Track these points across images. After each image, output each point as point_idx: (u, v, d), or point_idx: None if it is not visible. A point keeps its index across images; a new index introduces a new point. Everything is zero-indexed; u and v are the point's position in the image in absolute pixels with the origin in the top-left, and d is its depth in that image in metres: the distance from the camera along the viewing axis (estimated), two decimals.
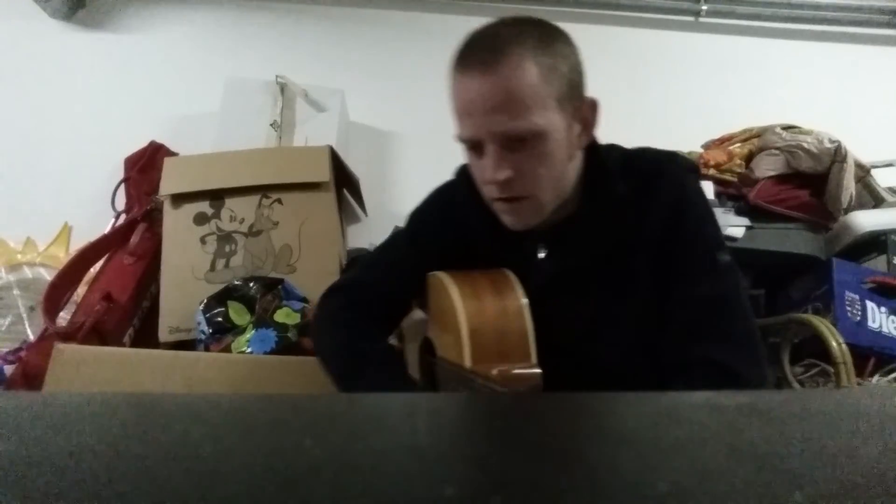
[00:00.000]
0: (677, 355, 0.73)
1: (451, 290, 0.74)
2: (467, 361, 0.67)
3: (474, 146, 0.73)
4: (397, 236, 0.92)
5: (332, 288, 0.90)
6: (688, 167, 0.83)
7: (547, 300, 0.75)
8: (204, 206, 1.47)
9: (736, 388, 0.71)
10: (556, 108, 0.69)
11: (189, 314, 1.33)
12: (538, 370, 0.68)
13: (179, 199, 1.47)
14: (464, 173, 0.85)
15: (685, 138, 1.67)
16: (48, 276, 1.55)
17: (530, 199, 0.72)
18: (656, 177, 0.77)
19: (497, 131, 0.69)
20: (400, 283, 0.87)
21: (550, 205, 0.75)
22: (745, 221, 1.48)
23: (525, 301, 0.73)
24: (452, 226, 0.85)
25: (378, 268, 0.90)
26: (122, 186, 1.66)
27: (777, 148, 1.50)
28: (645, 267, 0.75)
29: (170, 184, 1.48)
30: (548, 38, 0.71)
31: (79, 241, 1.62)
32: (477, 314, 0.71)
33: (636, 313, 0.76)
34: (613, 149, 0.82)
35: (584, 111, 0.74)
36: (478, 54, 0.70)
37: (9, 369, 1.26)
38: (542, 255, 0.80)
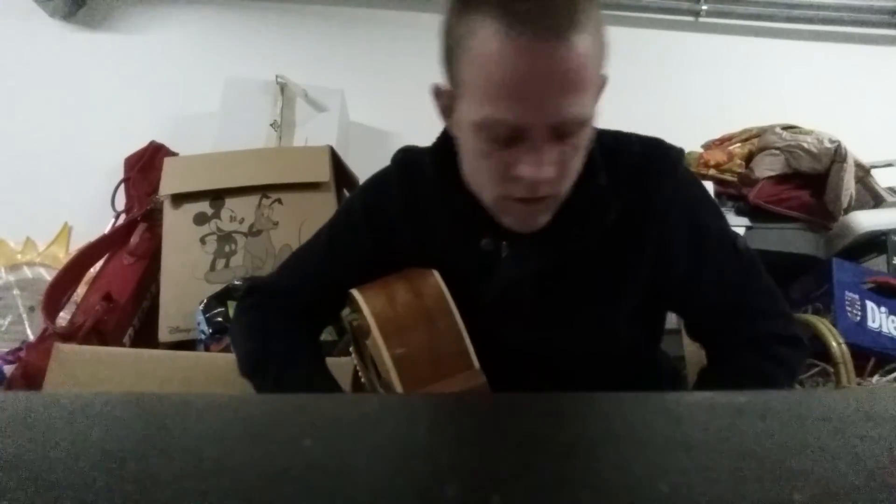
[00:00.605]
0: (734, 338, 0.70)
1: (366, 312, 0.66)
2: (398, 389, 0.59)
3: (509, 135, 0.56)
4: (319, 236, 0.82)
5: (250, 287, 0.84)
6: (676, 156, 0.71)
7: (509, 302, 0.69)
8: (204, 206, 1.47)
9: (803, 353, 0.72)
10: (596, 88, 0.60)
11: (189, 314, 1.33)
12: (482, 378, 0.63)
13: (179, 199, 1.47)
14: (408, 160, 0.74)
15: (685, 138, 1.66)
16: (48, 276, 1.55)
17: (553, 197, 0.61)
18: (647, 171, 0.67)
19: (555, 122, 0.55)
20: (318, 292, 0.78)
21: (564, 195, 0.63)
22: (745, 221, 1.48)
23: (451, 303, 0.65)
24: (383, 228, 0.74)
25: (296, 274, 0.81)
26: (122, 186, 1.66)
27: (777, 148, 1.50)
28: (629, 269, 0.68)
29: (170, 184, 1.48)
30: (595, 6, 0.57)
31: (79, 241, 1.62)
32: (397, 335, 0.64)
33: (606, 316, 0.70)
34: None
35: (601, 86, 0.62)
36: (534, 17, 0.52)
37: (9, 369, 1.26)
38: (505, 254, 0.69)
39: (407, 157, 0.75)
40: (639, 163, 0.68)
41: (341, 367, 1.17)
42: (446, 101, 0.64)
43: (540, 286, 0.68)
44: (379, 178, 0.78)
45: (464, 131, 0.61)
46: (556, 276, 0.68)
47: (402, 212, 0.73)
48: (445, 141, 0.69)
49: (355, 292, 0.70)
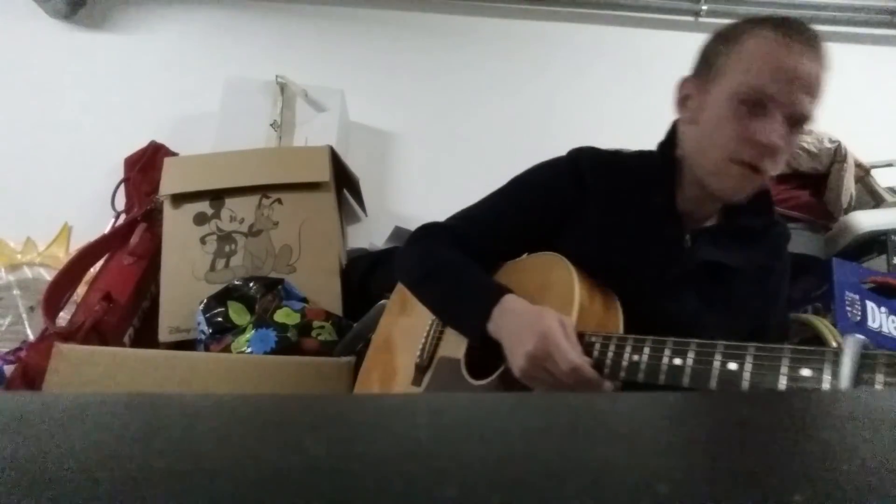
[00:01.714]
0: None
1: (571, 269, 0.78)
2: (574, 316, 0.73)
3: (758, 105, 0.73)
4: (502, 191, 0.92)
5: (424, 227, 0.92)
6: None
7: (688, 286, 0.81)
8: (204, 206, 1.47)
9: None
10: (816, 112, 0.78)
11: (189, 314, 1.33)
12: None
13: (179, 199, 1.47)
14: (590, 155, 0.90)
15: None
16: (48, 276, 1.55)
17: (767, 174, 0.76)
18: (784, 234, 0.94)
19: (797, 111, 0.74)
20: (491, 239, 0.89)
21: None
22: None
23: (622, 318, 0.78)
24: (580, 190, 0.86)
25: (471, 226, 0.91)
26: (122, 186, 1.66)
27: None
28: (749, 297, 0.84)
29: (170, 184, 1.48)
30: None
31: (79, 241, 1.62)
32: (588, 299, 0.76)
33: (733, 328, 0.81)
34: None
35: None
36: (804, 33, 0.75)
37: (9, 369, 1.26)
38: (688, 238, 0.83)
39: (589, 152, 0.90)
40: (782, 232, 0.93)
41: (341, 367, 1.17)
42: (690, 90, 0.82)
43: (714, 281, 0.81)
44: (555, 162, 0.91)
45: (712, 108, 0.77)
46: (728, 278, 0.82)
47: (582, 192, 0.85)
48: (668, 140, 0.88)
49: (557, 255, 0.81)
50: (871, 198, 1.56)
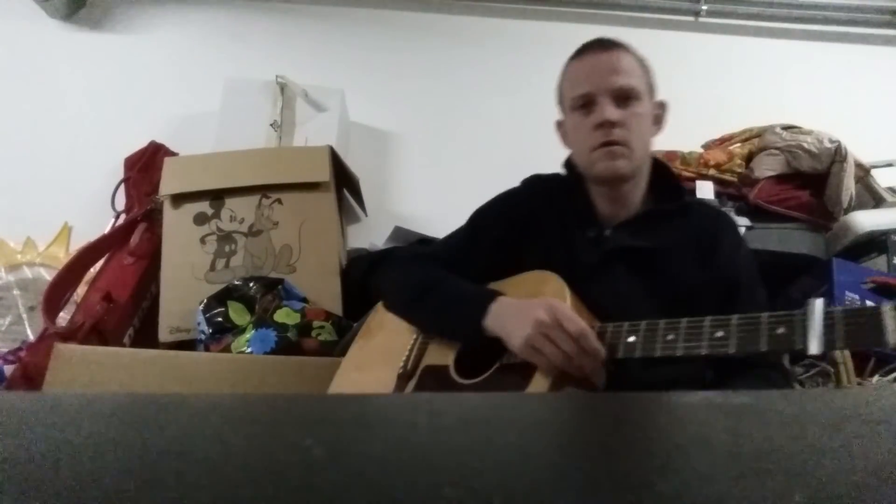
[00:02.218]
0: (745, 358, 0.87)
1: (564, 285, 0.86)
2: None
3: (586, 105, 0.93)
4: (460, 230, 1.07)
5: (408, 250, 1.06)
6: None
7: (606, 270, 0.91)
8: (204, 206, 1.47)
9: (787, 380, 1.02)
10: (645, 89, 0.95)
11: (189, 314, 1.33)
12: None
13: (179, 199, 1.47)
14: (534, 181, 1.06)
15: (685, 138, 1.67)
16: (48, 276, 1.55)
17: (626, 146, 0.91)
18: (721, 218, 1.04)
19: (610, 88, 0.91)
20: (457, 262, 1.00)
21: (637, 163, 0.93)
22: (746, 221, 1.48)
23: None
24: (517, 223, 1.01)
25: (443, 251, 1.04)
26: (122, 186, 1.66)
27: (777, 148, 1.50)
28: (689, 270, 0.92)
29: (170, 184, 1.48)
30: (641, 55, 0.99)
31: (79, 241, 1.62)
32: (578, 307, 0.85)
33: (668, 300, 0.89)
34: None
35: (657, 107, 0.99)
36: (598, 42, 0.96)
37: (9, 369, 1.26)
38: (608, 232, 0.96)
39: (534, 179, 1.07)
40: (714, 210, 1.08)
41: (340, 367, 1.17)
42: (562, 127, 1.02)
43: (630, 264, 0.92)
44: (511, 192, 1.07)
45: (570, 127, 0.98)
46: (645, 259, 0.92)
47: (537, 208, 1.01)
48: (569, 167, 1.04)
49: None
50: (871, 198, 1.56)
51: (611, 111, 0.90)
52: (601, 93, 0.91)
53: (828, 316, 0.59)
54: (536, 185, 1.05)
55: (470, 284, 0.93)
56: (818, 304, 0.60)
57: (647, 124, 0.95)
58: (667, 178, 1.03)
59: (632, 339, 0.72)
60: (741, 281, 0.94)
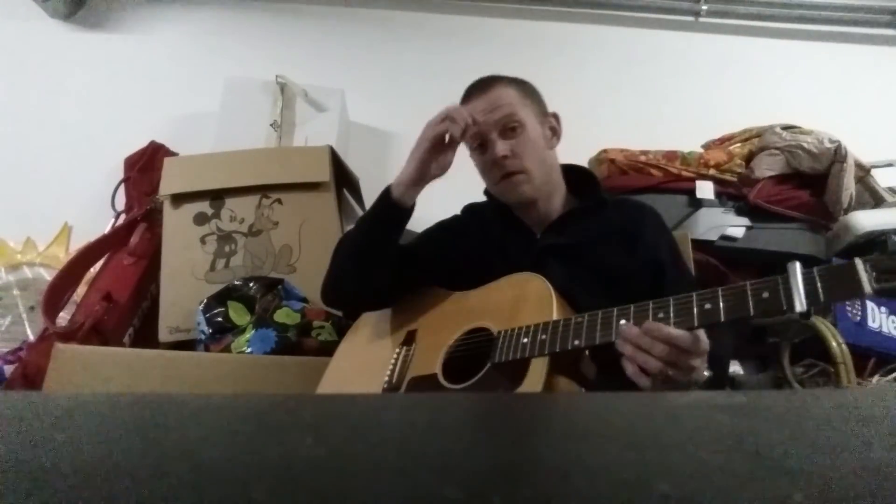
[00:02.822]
0: None
1: (548, 284, 0.89)
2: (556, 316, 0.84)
3: (479, 146, 1.01)
4: (419, 243, 1.14)
5: None
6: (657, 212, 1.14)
7: (541, 267, 0.95)
8: (204, 206, 1.47)
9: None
10: (528, 113, 1.02)
11: (189, 314, 1.33)
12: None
13: (179, 199, 1.47)
14: (471, 209, 1.16)
15: (685, 138, 1.67)
16: (48, 276, 1.55)
17: (524, 173, 0.99)
18: (643, 208, 1.09)
19: (493, 120, 0.98)
20: (413, 253, 1.08)
21: (539, 181, 1.01)
22: (745, 221, 1.48)
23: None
24: (454, 238, 1.11)
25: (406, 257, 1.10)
26: (122, 186, 1.66)
27: (777, 148, 1.50)
28: (616, 257, 0.99)
29: (170, 184, 1.48)
30: (520, 79, 1.06)
31: (79, 241, 1.62)
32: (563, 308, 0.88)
33: (601, 285, 0.96)
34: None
35: (550, 121, 1.07)
36: (472, 89, 1.04)
37: (9, 369, 1.26)
38: (538, 236, 1.04)
39: (469, 206, 1.17)
40: (637, 203, 1.12)
41: None
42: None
43: (562, 259, 0.98)
44: (454, 217, 1.17)
45: (475, 165, 1.07)
46: (573, 252, 0.99)
47: (472, 233, 1.10)
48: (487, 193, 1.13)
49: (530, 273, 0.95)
50: (871, 198, 1.56)
51: (500, 147, 0.98)
52: (488, 131, 0.99)
53: (807, 276, 0.63)
54: (472, 210, 1.16)
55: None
56: (797, 266, 0.64)
57: (539, 145, 1.01)
58: (587, 180, 1.11)
59: (623, 321, 0.75)
60: (665, 261, 1.00)
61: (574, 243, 1.00)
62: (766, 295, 0.65)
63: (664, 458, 0.17)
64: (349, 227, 1.80)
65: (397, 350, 1.00)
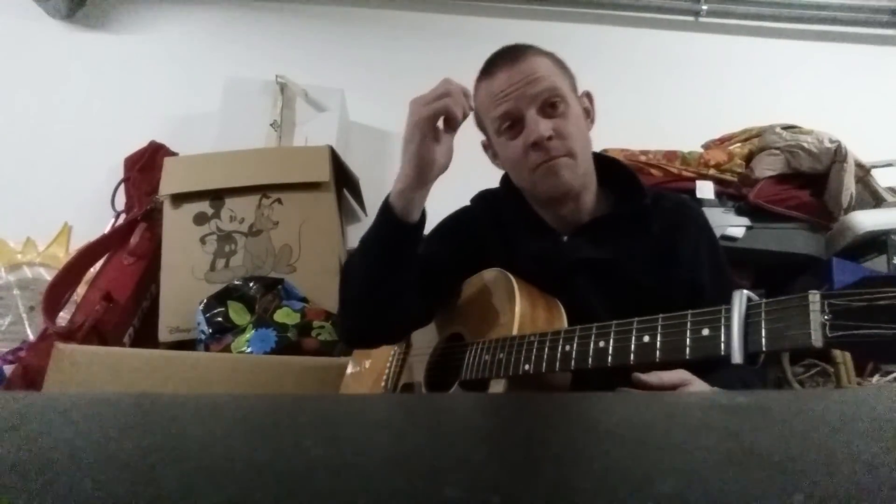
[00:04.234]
0: None
1: (513, 282, 0.82)
2: (514, 331, 0.77)
3: (513, 125, 0.85)
4: (431, 236, 0.98)
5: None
6: (700, 209, 1.00)
7: (569, 282, 0.85)
8: (204, 206, 1.47)
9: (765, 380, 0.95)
10: (568, 87, 0.87)
11: (189, 314, 1.33)
12: None
13: (179, 199, 1.47)
14: (486, 195, 1.00)
15: (685, 138, 1.67)
16: (48, 276, 1.55)
17: (569, 156, 0.84)
18: (682, 207, 0.93)
19: (533, 94, 0.82)
20: (436, 271, 0.91)
21: (582, 168, 0.86)
22: (746, 221, 1.48)
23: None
24: (470, 233, 0.96)
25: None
26: (122, 186, 1.66)
27: (777, 148, 1.50)
28: (653, 276, 0.85)
29: (170, 184, 1.48)
30: (550, 51, 0.90)
31: (79, 241, 1.62)
32: (529, 307, 0.80)
33: (632, 307, 0.79)
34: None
35: (584, 100, 0.91)
36: (502, 56, 0.87)
37: (9, 369, 1.26)
38: (565, 238, 0.90)
39: (482, 194, 1.01)
40: (678, 204, 0.93)
41: (341, 367, 1.17)
42: (487, 146, 0.94)
43: (593, 273, 0.85)
44: (466, 210, 1.01)
45: (500, 150, 0.89)
46: (605, 267, 0.85)
47: (487, 227, 0.95)
48: (506, 182, 0.96)
49: (501, 270, 0.87)
50: (871, 198, 1.56)
51: (544, 126, 0.81)
52: (525, 107, 0.83)
53: (751, 310, 0.51)
54: (485, 201, 0.99)
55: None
56: (741, 296, 0.52)
57: (582, 126, 0.87)
58: (623, 175, 0.93)
59: (566, 348, 0.67)
60: (705, 282, 0.86)
61: (611, 258, 0.85)
62: (705, 332, 0.53)
63: (664, 458, 0.17)
64: (349, 227, 1.82)
65: (391, 357, 0.99)
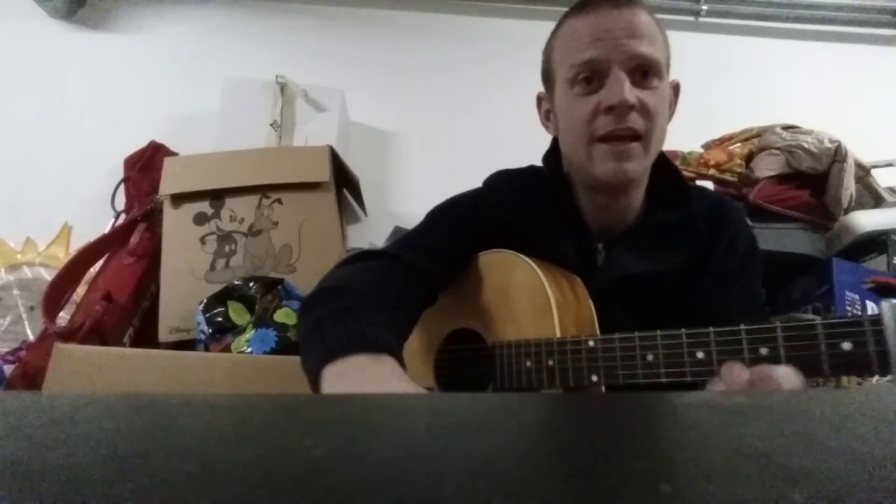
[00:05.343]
0: None
1: (534, 266, 0.71)
2: (557, 332, 0.65)
3: (593, 77, 0.70)
4: (435, 218, 0.83)
5: (362, 253, 0.78)
6: (740, 209, 0.87)
7: (604, 299, 0.73)
8: (204, 206, 1.47)
9: None
10: (665, 64, 0.73)
11: (189, 314, 1.33)
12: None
13: (179, 198, 1.47)
14: (510, 180, 0.85)
15: (685, 138, 1.66)
16: (48, 276, 1.55)
17: (642, 141, 0.70)
18: (725, 215, 0.80)
19: (627, 56, 0.68)
20: (434, 258, 0.76)
21: (648, 162, 0.73)
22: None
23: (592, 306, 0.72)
24: (494, 221, 0.80)
25: (409, 242, 0.79)
26: (122, 186, 1.66)
27: (777, 148, 1.50)
28: (701, 291, 0.75)
29: (170, 184, 1.48)
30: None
31: (79, 241, 1.62)
32: (560, 294, 0.69)
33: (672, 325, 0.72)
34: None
35: (672, 90, 0.77)
36: (605, 2, 0.72)
37: (9, 369, 1.26)
38: (600, 246, 0.77)
39: (503, 177, 0.86)
40: (721, 211, 0.80)
41: None
42: (546, 104, 0.81)
43: (632, 289, 0.73)
44: (482, 192, 0.86)
45: (563, 106, 0.75)
46: (648, 283, 0.74)
47: (513, 210, 0.80)
48: (551, 158, 0.82)
49: (504, 251, 0.75)
50: (871, 198, 1.56)
51: (629, 89, 0.67)
52: (615, 62, 0.68)
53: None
54: (506, 185, 0.84)
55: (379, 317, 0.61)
56: (892, 306, 0.45)
57: (666, 111, 0.73)
58: (669, 176, 0.80)
59: (650, 357, 0.57)
60: (755, 298, 0.77)
61: (656, 272, 0.74)
62: (846, 346, 0.46)
63: (664, 458, 0.17)
64: (349, 227, 1.82)
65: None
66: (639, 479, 0.15)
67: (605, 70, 0.69)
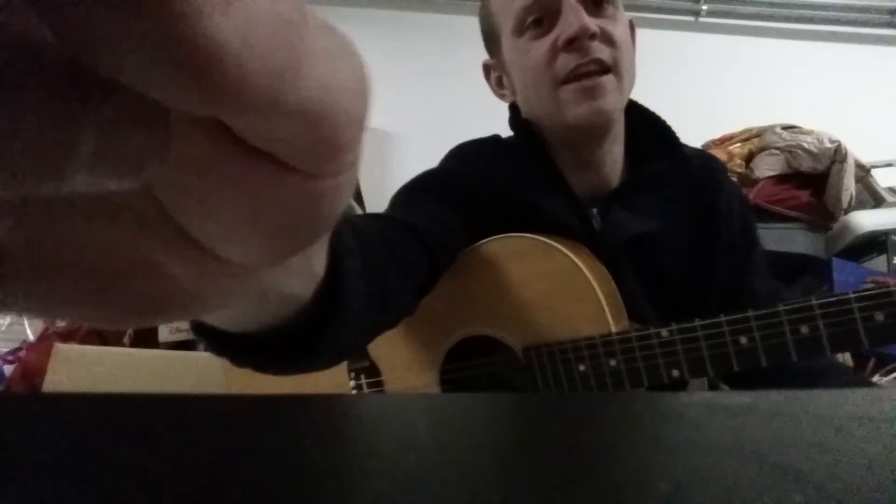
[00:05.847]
0: None
1: (562, 249, 0.59)
2: (612, 325, 0.57)
3: (542, 18, 0.62)
4: (405, 196, 0.69)
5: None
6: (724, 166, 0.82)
7: (611, 269, 0.66)
8: None
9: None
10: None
11: None
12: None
13: None
14: (478, 148, 0.74)
15: (685, 138, 1.66)
16: None
17: (613, 72, 0.61)
18: (712, 168, 0.74)
19: None
20: (437, 226, 0.59)
21: (624, 97, 0.65)
22: None
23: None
24: (469, 192, 0.67)
25: (401, 208, 0.65)
26: None
27: (777, 148, 1.50)
28: (686, 255, 0.68)
29: None
30: None
31: None
32: (600, 279, 0.59)
33: (667, 298, 0.66)
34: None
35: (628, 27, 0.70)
36: None
37: (9, 369, 1.26)
38: (594, 211, 0.68)
39: (465, 150, 0.75)
40: (704, 163, 0.74)
41: (340, 367, 1.17)
42: (496, 71, 0.73)
43: (639, 253, 0.66)
44: (450, 164, 0.74)
45: (515, 60, 0.67)
46: (654, 244, 0.66)
47: (501, 182, 0.68)
48: (514, 120, 0.73)
49: (514, 234, 0.63)
50: (871, 198, 1.56)
51: (588, 19, 0.59)
52: None
53: None
54: (483, 154, 0.72)
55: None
56: None
57: (630, 45, 0.66)
58: (647, 123, 0.72)
59: (744, 340, 0.52)
60: (756, 273, 0.71)
61: (662, 229, 0.66)
62: (879, 317, 0.46)
63: (664, 458, 0.17)
64: None
65: (352, 384, 0.70)
66: (639, 479, 0.15)
67: (554, 5, 0.61)
